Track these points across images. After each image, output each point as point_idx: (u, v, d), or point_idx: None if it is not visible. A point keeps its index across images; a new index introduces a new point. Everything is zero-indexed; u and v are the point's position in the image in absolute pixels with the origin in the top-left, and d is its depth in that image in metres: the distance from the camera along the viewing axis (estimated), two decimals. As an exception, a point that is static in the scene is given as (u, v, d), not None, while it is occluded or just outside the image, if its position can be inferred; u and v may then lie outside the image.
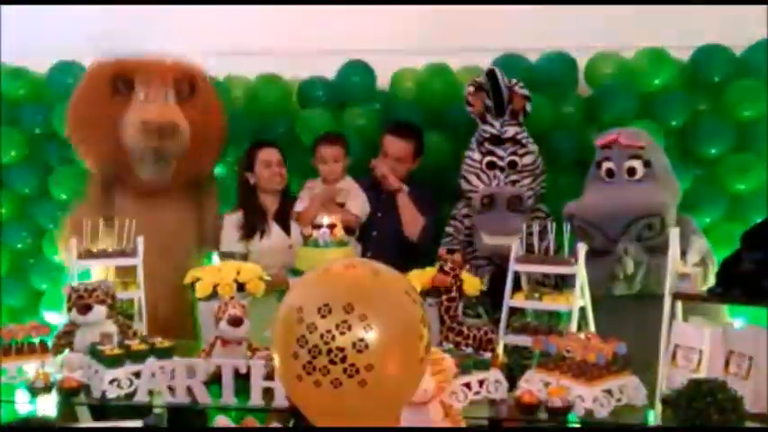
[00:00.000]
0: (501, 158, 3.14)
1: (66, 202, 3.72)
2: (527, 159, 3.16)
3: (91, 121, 3.27)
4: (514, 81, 3.15)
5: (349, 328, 1.08)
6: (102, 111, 3.22)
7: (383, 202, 3.37)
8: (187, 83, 3.30)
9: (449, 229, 3.31)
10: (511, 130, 3.15)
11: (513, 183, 3.13)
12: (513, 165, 3.14)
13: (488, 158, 3.16)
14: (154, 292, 2.94)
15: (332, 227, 2.81)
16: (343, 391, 1.08)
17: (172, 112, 3.20)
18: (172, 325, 3.00)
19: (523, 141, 3.16)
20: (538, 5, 3.56)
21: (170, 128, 3.16)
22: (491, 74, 3.12)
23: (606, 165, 2.92)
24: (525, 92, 3.14)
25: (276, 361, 1.14)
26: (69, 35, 3.70)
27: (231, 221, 3.30)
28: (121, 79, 3.22)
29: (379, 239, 3.30)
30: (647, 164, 2.87)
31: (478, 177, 3.17)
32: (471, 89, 3.20)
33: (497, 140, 3.15)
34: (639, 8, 3.45)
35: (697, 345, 2.29)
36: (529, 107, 3.16)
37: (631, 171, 2.88)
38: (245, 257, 3.21)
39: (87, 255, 2.89)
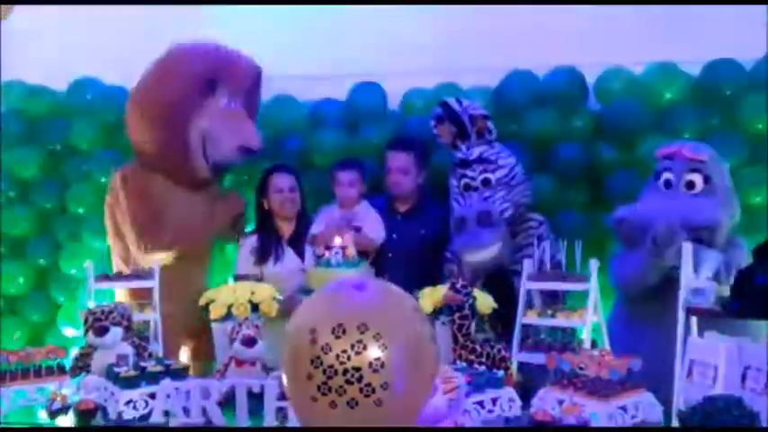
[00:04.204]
0: (473, 179, 3.19)
1: (84, 217, 3.78)
2: (499, 173, 3.18)
3: (167, 113, 3.22)
4: (468, 104, 3.20)
5: (364, 347, 1.09)
6: (183, 106, 3.22)
7: (398, 224, 3.39)
8: (256, 82, 3.42)
9: (447, 255, 3.28)
10: (476, 151, 3.19)
11: (486, 199, 3.15)
12: (486, 182, 3.18)
13: (463, 181, 3.21)
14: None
15: (344, 248, 2.83)
16: (360, 410, 1.09)
17: (256, 130, 3.35)
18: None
19: (492, 158, 3.19)
20: (546, 21, 3.59)
21: (257, 151, 3.33)
22: (444, 105, 3.20)
23: (666, 175, 2.89)
24: (481, 111, 3.20)
25: (286, 383, 1.14)
26: (87, 52, 3.76)
27: (247, 245, 3.33)
28: (207, 81, 3.24)
29: (395, 260, 3.31)
30: (707, 179, 2.83)
31: (458, 201, 3.22)
32: (433, 122, 3.26)
33: (465, 163, 3.20)
34: (648, 23, 3.46)
35: (713, 360, 2.27)
36: (491, 125, 3.20)
37: (690, 184, 2.84)
38: (259, 281, 3.23)
39: (104, 278, 2.92)
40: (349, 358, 1.08)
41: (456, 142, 3.23)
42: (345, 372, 1.07)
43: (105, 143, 3.74)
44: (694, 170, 2.83)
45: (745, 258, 2.82)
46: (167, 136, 3.23)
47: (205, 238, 3.35)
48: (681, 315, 2.37)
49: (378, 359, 1.08)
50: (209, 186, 3.45)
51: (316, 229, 3.34)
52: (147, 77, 3.31)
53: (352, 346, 1.08)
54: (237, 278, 3.31)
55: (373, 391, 1.08)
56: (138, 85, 3.33)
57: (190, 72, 3.24)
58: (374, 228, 3.32)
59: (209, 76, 3.24)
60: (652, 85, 3.50)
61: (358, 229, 3.27)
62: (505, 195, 3.15)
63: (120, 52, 3.71)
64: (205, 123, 3.24)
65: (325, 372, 1.08)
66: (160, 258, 3.09)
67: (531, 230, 3.09)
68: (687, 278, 2.40)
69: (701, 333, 2.40)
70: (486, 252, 2.98)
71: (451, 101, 3.20)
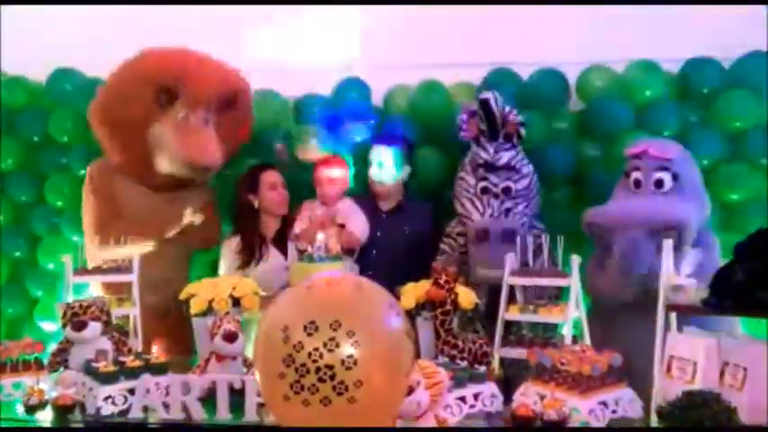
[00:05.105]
0: (495, 185, 3.12)
1: (62, 210, 3.74)
2: (521, 184, 3.14)
3: (125, 120, 3.17)
4: (508, 109, 3.12)
5: (337, 345, 1.08)
6: (140, 114, 3.14)
7: (382, 222, 3.37)
8: (228, 99, 3.27)
9: (443, 247, 3.30)
10: (505, 157, 3.11)
11: (508, 211, 3.11)
12: (507, 191, 3.12)
13: (482, 184, 3.14)
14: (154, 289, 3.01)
15: (327, 243, 2.83)
16: (333, 409, 1.08)
17: (214, 148, 3.17)
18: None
19: (518, 167, 3.13)
20: (528, 19, 3.59)
21: (211, 168, 3.21)
22: (484, 103, 3.09)
23: (634, 175, 2.89)
24: (519, 119, 3.13)
25: (260, 381, 1.13)
26: (67, 42, 3.71)
27: (230, 247, 3.29)
28: (165, 91, 3.13)
29: (379, 259, 3.30)
30: (675, 177, 2.84)
31: (473, 203, 3.16)
32: (465, 116, 3.19)
33: (491, 167, 3.12)
34: (629, 21, 3.47)
35: (691, 356, 2.29)
36: (523, 131, 3.15)
37: (659, 183, 2.85)
38: None
39: (82, 271, 2.89)
40: (321, 356, 1.07)
41: (480, 138, 3.17)
42: (318, 370, 1.07)
43: (84, 135, 3.69)
44: (662, 168, 2.84)
45: (718, 256, 2.84)
46: (125, 142, 3.21)
47: (166, 234, 3.26)
48: (660, 311, 2.38)
49: (351, 356, 1.08)
50: (190, 189, 3.36)
51: (299, 226, 3.31)
52: (109, 82, 3.29)
53: (325, 344, 1.07)
54: None
55: (346, 389, 1.07)
56: (100, 89, 3.31)
57: (147, 80, 3.15)
58: (358, 224, 3.29)
59: (167, 85, 3.12)
60: (633, 83, 3.51)
61: (341, 227, 3.25)
62: (524, 209, 3.13)
63: (102, 43, 3.65)
64: (157, 132, 3.15)
65: (297, 370, 1.07)
66: (114, 254, 3.07)
67: (535, 239, 3.07)
68: (667, 275, 2.41)
69: (680, 329, 2.42)
70: (503, 271, 2.90)
71: (492, 100, 3.08)
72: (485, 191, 3.14)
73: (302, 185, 3.48)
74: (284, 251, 3.31)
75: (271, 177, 3.32)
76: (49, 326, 3.60)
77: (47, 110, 3.81)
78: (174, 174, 3.20)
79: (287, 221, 3.37)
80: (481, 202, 3.14)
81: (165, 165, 3.17)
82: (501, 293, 2.84)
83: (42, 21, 3.83)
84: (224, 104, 3.26)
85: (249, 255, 3.25)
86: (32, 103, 3.87)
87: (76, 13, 3.80)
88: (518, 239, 2.93)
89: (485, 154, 3.13)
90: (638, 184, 2.89)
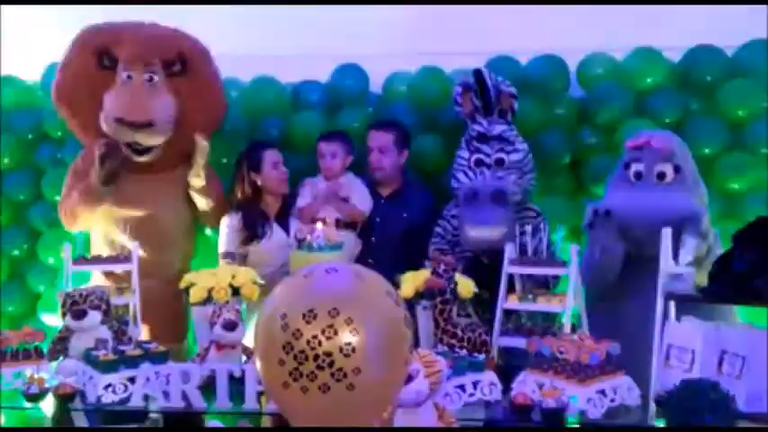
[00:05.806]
0: (488, 156, 3.15)
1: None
2: (514, 156, 3.15)
3: (77, 93, 3.17)
4: (501, 80, 3.18)
5: (335, 332, 1.09)
6: (88, 84, 3.13)
7: (381, 208, 3.37)
8: (178, 61, 3.20)
9: (438, 230, 3.30)
10: (498, 128, 3.16)
11: (500, 179, 3.12)
12: (500, 162, 3.15)
13: (476, 156, 3.17)
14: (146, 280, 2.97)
15: (325, 221, 2.84)
16: (331, 395, 1.09)
17: (147, 106, 3.06)
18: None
19: (511, 139, 3.17)
20: (529, 6, 3.58)
21: (143, 125, 3.06)
22: (478, 74, 3.14)
23: (635, 167, 2.87)
24: (512, 90, 3.17)
25: (260, 368, 1.14)
26: (61, 39, 3.71)
27: (232, 224, 3.28)
28: (106, 54, 3.12)
29: (378, 245, 3.30)
30: (677, 169, 2.83)
31: (466, 175, 3.18)
32: (459, 89, 3.22)
33: (484, 138, 3.16)
34: (630, 9, 3.46)
35: (690, 345, 2.30)
36: (516, 105, 3.19)
37: (661, 175, 2.83)
38: (244, 257, 3.22)
39: (82, 261, 2.90)
40: (320, 343, 1.08)
41: (475, 115, 3.20)
42: (316, 357, 1.07)
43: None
44: (665, 161, 2.82)
45: (719, 246, 2.84)
46: (86, 115, 3.17)
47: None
48: (659, 300, 2.38)
49: (349, 344, 1.08)
50: (176, 167, 3.28)
51: (302, 202, 3.31)
52: (59, 62, 3.26)
53: (323, 331, 1.08)
54: (222, 255, 3.28)
55: (345, 375, 1.08)
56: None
57: (86, 47, 3.16)
58: (361, 198, 3.30)
59: (106, 47, 3.12)
60: (634, 71, 3.50)
61: (345, 200, 3.26)
62: (516, 179, 3.13)
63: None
64: (107, 98, 3.12)
65: (296, 357, 1.08)
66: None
67: (528, 220, 3.07)
68: (666, 264, 2.41)
69: (678, 318, 2.42)
70: (493, 231, 2.93)
71: (486, 72, 3.14)
72: (478, 163, 3.17)
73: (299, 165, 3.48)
74: (286, 228, 3.31)
75: (274, 156, 3.31)
76: (52, 319, 3.58)
77: (41, 107, 3.79)
78: (115, 136, 3.08)
79: (287, 199, 3.37)
80: (474, 173, 3.16)
81: (104, 126, 3.09)
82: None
83: (35, 19, 3.81)
84: (172, 65, 3.18)
85: (252, 232, 3.25)
86: (26, 101, 3.84)
87: (69, 11, 3.76)
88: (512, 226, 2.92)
89: (479, 127, 3.18)
90: (638, 176, 2.87)
